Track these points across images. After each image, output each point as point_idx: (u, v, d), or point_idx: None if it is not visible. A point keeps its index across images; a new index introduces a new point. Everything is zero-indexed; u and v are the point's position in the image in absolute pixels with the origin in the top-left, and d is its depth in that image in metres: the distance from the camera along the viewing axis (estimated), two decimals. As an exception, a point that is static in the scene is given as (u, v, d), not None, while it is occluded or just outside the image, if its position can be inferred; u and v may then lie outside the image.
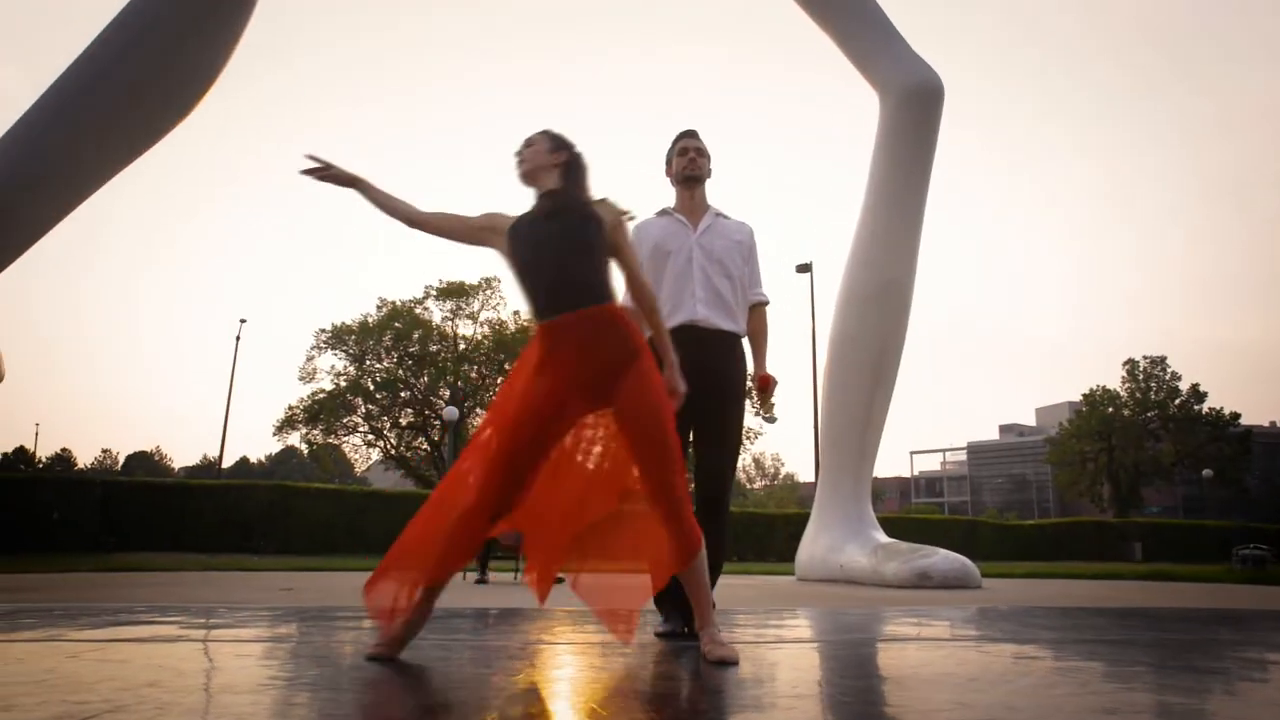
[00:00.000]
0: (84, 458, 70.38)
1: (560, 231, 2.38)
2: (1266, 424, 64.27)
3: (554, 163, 2.52)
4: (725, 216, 3.26)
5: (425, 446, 35.55)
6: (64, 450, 68.07)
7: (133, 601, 4.45)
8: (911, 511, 43.98)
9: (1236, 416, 44.54)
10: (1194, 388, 45.15)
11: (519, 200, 2.55)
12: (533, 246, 2.40)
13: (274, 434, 34.93)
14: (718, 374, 3.00)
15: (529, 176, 2.53)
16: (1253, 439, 45.35)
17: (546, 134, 2.57)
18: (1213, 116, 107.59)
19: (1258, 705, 1.84)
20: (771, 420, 3.20)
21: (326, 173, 2.51)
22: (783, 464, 61.49)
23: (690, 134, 3.27)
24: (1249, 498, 45.25)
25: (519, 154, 2.56)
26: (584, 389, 2.30)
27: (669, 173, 3.27)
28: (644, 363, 2.33)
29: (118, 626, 3.06)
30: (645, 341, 2.39)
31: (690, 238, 3.13)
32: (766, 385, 3.15)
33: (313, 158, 2.51)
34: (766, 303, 3.27)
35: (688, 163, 3.20)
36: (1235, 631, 3.47)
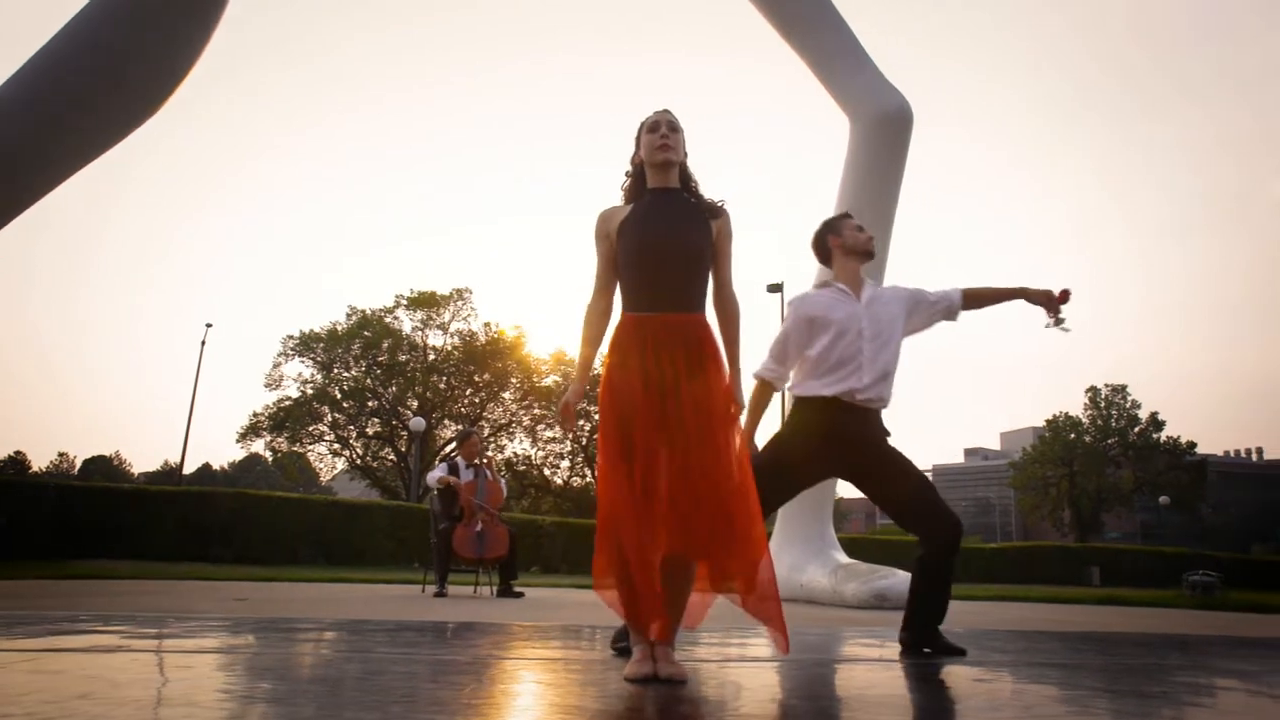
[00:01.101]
0: (39, 461, 68.73)
1: (679, 234, 2.33)
2: (1221, 453, 65.74)
3: (683, 160, 2.45)
4: (876, 285, 3.37)
5: (392, 457, 35.16)
6: (17, 453, 66.44)
7: (78, 610, 4.33)
8: (877, 533, 44.24)
9: (1193, 445, 45.52)
10: (1153, 416, 46.09)
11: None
12: (644, 241, 2.33)
13: (238, 441, 34.43)
14: (869, 441, 3.18)
15: (666, 165, 2.40)
16: (1208, 467, 46.36)
17: (680, 128, 2.44)
18: (1173, 144, 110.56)
19: (1196, 730, 1.87)
20: (1064, 329, 3.20)
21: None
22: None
23: (850, 216, 3.43)
24: (1203, 525, 46.19)
25: (666, 138, 2.39)
26: (654, 388, 2.24)
27: (835, 244, 3.30)
28: (714, 379, 2.29)
29: (57, 636, 2.98)
30: (719, 356, 2.35)
31: (857, 308, 3.20)
32: (1053, 299, 3.18)
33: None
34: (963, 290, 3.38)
35: (866, 239, 3.30)
36: (1182, 656, 3.52)
